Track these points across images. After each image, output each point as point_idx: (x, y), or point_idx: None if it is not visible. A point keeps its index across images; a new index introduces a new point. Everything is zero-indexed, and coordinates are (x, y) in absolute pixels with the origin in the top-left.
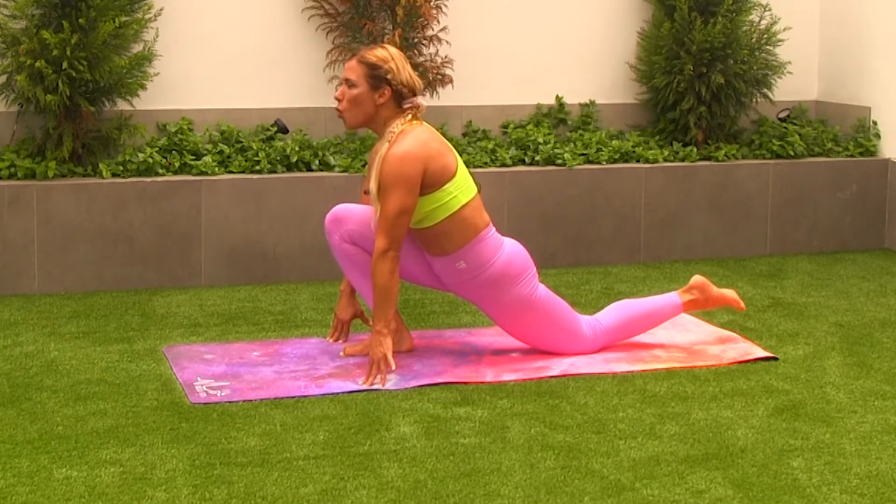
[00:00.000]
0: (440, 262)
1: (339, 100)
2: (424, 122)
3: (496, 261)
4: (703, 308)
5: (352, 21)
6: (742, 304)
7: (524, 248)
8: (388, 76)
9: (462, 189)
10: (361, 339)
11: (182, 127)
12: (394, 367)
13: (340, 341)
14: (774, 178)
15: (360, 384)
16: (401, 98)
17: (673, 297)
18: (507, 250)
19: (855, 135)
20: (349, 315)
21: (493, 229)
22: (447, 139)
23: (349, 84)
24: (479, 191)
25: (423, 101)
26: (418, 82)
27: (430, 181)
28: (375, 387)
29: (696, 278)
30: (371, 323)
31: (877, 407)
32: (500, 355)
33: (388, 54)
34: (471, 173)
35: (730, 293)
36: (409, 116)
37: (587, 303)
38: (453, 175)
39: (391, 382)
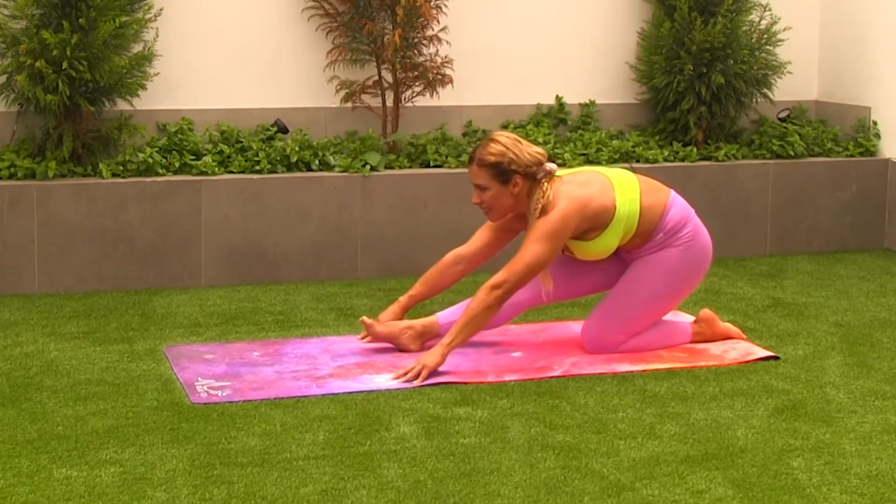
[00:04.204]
0: (639, 248)
1: (478, 204)
2: (558, 175)
3: (689, 227)
4: (709, 340)
5: (352, 21)
6: (743, 336)
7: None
8: (513, 167)
9: (627, 191)
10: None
11: (182, 127)
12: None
13: (367, 340)
14: (774, 178)
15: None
16: (533, 176)
17: (685, 325)
18: (696, 219)
19: (855, 135)
20: (385, 333)
21: (674, 193)
22: (447, 139)
23: (481, 188)
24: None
25: (552, 165)
26: (541, 152)
27: (600, 221)
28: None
29: (705, 312)
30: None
31: (877, 407)
32: (501, 355)
33: (502, 147)
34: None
35: (734, 328)
36: (546, 184)
37: (587, 302)
38: (613, 197)
39: (391, 382)
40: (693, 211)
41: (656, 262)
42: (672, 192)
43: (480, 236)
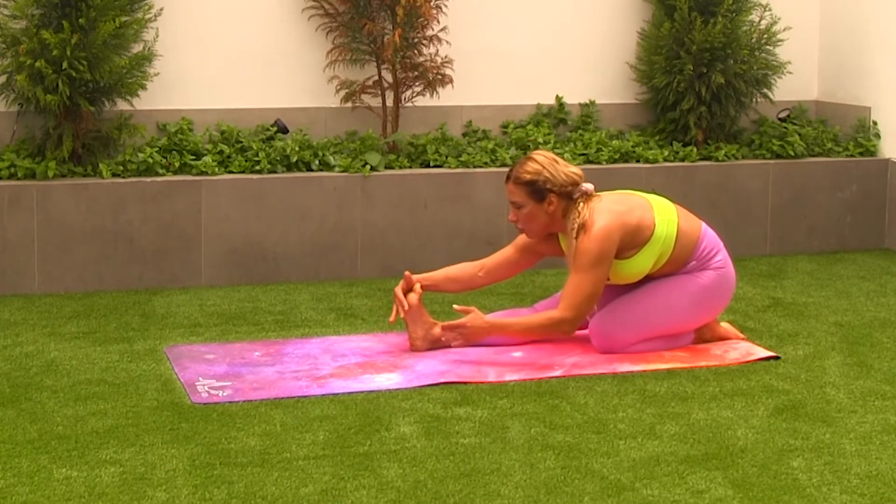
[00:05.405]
0: (671, 274)
1: (514, 222)
2: (596, 194)
3: (721, 255)
4: (707, 342)
5: (352, 21)
6: (742, 335)
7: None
8: (548, 185)
9: (665, 212)
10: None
11: (182, 127)
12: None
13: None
14: (774, 178)
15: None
16: (569, 196)
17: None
18: (725, 251)
19: (855, 135)
20: (415, 303)
21: (705, 225)
22: (447, 139)
23: (516, 206)
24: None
25: (589, 185)
26: (578, 173)
27: (639, 237)
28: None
29: None
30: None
31: (877, 407)
32: (502, 355)
33: (538, 165)
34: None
35: (732, 330)
36: (582, 204)
37: None
38: (652, 216)
39: (392, 382)
40: (722, 244)
41: (688, 279)
42: (703, 223)
43: (504, 252)
